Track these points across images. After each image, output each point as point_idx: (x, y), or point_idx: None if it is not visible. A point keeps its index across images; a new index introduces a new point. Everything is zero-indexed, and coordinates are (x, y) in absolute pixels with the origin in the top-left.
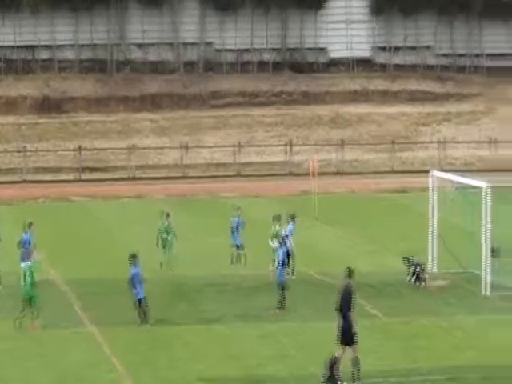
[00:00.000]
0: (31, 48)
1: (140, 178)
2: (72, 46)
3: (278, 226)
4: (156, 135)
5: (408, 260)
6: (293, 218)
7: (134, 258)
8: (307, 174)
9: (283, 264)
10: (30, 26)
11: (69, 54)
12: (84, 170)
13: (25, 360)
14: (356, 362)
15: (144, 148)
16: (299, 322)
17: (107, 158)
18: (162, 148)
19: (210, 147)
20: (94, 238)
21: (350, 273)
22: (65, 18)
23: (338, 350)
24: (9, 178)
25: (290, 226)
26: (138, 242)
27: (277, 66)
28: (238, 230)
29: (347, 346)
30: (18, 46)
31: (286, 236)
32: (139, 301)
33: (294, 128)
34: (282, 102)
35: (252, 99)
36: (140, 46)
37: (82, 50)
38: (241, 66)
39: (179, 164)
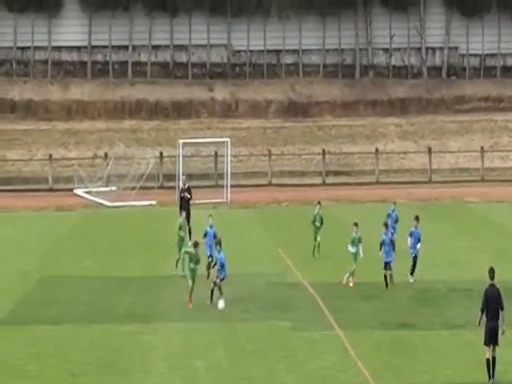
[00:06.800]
0: (277, 52)
1: (383, 183)
2: (318, 50)
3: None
4: (400, 140)
5: None
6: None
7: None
8: None
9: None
10: (277, 31)
11: (314, 59)
12: (328, 173)
13: (273, 362)
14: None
15: (388, 152)
16: None
17: (352, 161)
18: (405, 153)
19: (453, 152)
20: (338, 243)
21: (494, 274)
22: (312, 22)
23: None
24: (254, 181)
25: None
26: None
27: None
28: None
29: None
30: (264, 51)
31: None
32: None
33: None
34: None
35: (496, 104)
36: (386, 50)
37: (326, 55)
38: (484, 71)
39: (424, 168)
